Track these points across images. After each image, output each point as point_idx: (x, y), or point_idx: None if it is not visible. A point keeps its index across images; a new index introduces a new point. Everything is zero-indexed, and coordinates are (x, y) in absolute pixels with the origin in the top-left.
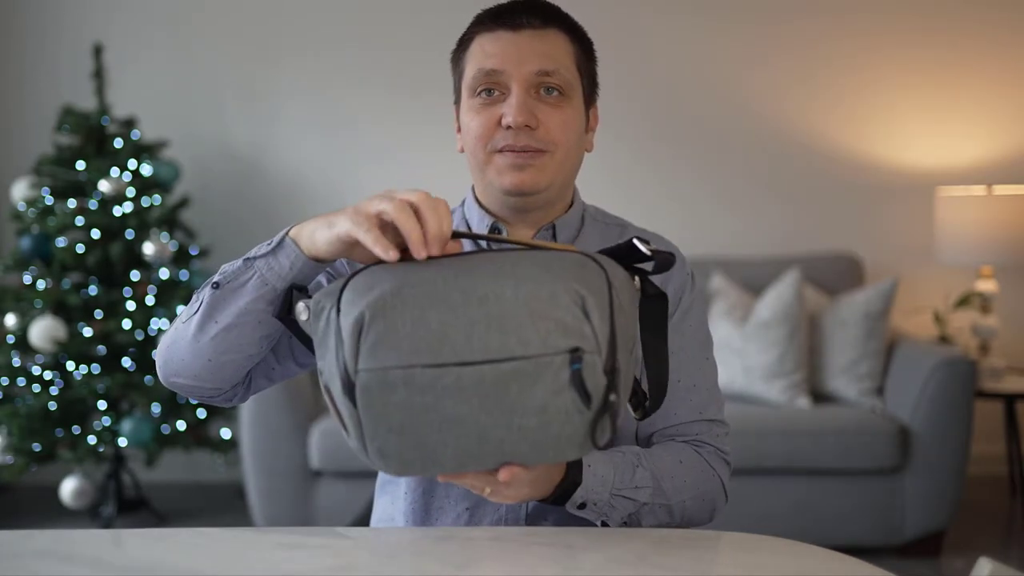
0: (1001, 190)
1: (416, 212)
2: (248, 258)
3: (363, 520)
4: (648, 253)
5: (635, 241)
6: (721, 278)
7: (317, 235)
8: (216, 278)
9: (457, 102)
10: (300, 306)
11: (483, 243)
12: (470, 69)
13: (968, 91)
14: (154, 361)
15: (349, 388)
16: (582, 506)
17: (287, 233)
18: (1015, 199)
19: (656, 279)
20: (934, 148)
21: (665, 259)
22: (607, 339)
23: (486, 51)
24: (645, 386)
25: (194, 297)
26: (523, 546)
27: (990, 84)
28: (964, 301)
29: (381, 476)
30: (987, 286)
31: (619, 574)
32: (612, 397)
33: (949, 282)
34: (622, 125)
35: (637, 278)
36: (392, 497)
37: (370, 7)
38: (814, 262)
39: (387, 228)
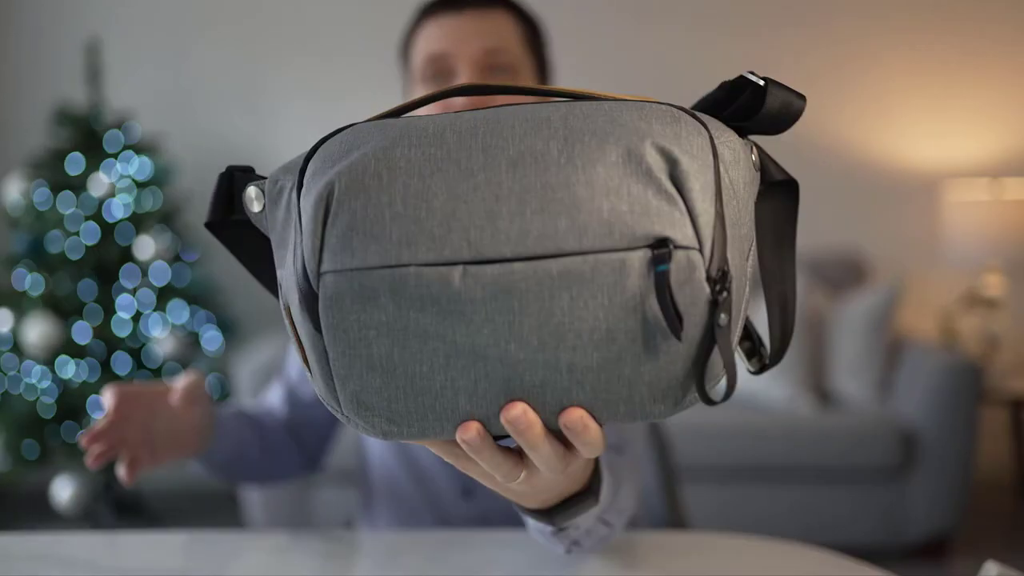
0: (1008, 189)
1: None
2: None
3: None
4: (762, 84)
5: (747, 74)
6: None
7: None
8: None
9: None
10: (250, 192)
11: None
12: (416, 58)
13: (974, 89)
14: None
15: (310, 300)
16: (562, 530)
17: None
18: (1023, 199)
19: None
20: (940, 147)
21: (794, 108)
22: (712, 226)
23: (430, 37)
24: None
25: None
26: (523, 546)
27: (997, 82)
28: (970, 301)
29: (360, 496)
30: (994, 286)
31: (619, 574)
32: (722, 319)
33: (955, 282)
34: None
35: (755, 150)
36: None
37: (370, 6)
38: (818, 261)
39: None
